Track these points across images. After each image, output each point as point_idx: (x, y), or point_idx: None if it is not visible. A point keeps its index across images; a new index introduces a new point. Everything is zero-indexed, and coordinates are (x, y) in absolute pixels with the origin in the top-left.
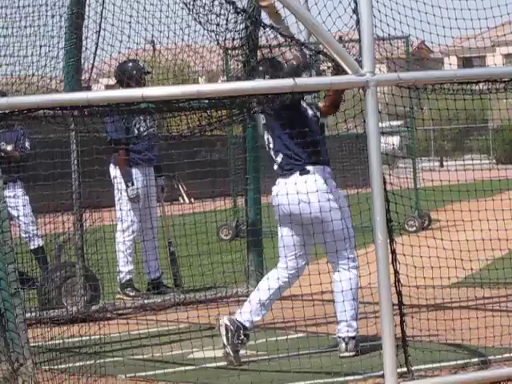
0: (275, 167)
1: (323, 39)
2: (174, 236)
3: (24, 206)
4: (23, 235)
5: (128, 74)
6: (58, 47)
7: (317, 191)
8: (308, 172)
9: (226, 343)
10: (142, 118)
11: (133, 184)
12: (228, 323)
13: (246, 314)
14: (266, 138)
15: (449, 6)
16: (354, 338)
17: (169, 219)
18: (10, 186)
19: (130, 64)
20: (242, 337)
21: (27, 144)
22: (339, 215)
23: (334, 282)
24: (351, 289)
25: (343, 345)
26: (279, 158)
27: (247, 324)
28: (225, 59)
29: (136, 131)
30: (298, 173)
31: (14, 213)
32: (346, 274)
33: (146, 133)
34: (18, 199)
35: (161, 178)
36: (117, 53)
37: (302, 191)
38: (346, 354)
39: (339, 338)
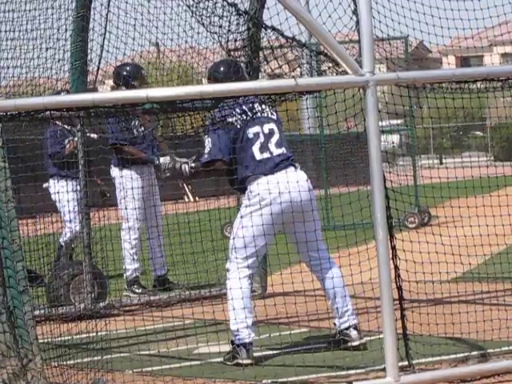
0: (272, 159)
1: (324, 40)
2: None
3: (68, 201)
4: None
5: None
6: (64, 49)
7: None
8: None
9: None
10: (137, 120)
11: (158, 159)
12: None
13: (241, 331)
14: (255, 131)
15: (446, 7)
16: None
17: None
18: (51, 182)
19: (119, 70)
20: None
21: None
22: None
23: (328, 278)
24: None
25: (355, 332)
26: (282, 150)
27: (247, 340)
28: None
29: (136, 132)
30: (298, 167)
31: (58, 206)
32: (335, 270)
33: (142, 134)
34: (59, 195)
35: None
36: (122, 55)
37: (307, 188)
38: (360, 341)
39: (347, 328)
